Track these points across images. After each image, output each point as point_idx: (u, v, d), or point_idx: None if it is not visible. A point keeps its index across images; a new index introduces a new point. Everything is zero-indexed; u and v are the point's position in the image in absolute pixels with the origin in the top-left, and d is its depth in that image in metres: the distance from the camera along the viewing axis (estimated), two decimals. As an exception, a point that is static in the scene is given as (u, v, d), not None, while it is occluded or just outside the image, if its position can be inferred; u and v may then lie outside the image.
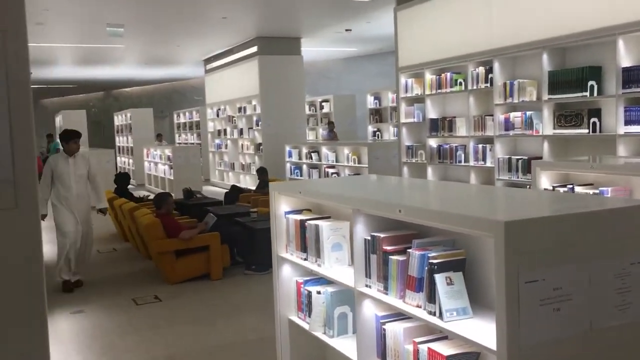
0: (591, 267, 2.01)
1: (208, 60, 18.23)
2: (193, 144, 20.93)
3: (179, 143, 22.49)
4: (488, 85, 7.36)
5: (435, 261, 2.27)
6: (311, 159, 12.54)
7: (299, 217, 3.31)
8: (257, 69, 14.50)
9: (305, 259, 3.23)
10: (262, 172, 10.98)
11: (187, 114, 22.09)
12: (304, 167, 12.86)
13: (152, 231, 6.57)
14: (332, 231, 3.06)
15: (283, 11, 12.03)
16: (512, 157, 7.15)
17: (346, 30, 13.77)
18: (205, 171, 19.36)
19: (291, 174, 13.41)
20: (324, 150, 12.08)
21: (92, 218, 7.04)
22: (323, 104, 17.49)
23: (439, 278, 2.23)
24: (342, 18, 12.82)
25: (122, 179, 10.04)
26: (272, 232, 3.47)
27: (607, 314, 2.05)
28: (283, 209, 3.45)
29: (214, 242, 6.65)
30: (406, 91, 8.95)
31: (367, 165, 10.53)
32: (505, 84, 7.10)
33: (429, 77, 8.45)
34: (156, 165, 16.67)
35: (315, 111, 17.83)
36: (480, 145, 7.62)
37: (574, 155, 6.56)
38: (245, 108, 15.77)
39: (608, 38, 5.82)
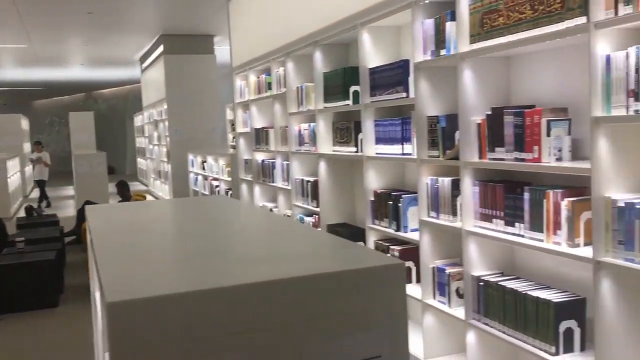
0: None
1: (142, 60, 17.15)
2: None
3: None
4: (286, 89, 6.02)
5: None
6: (203, 169, 11.32)
7: None
8: (164, 70, 13.33)
9: None
10: (121, 186, 9.77)
11: (141, 117, 21.06)
12: (199, 178, 11.64)
13: None
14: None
15: (187, 6, 10.66)
16: (304, 178, 5.79)
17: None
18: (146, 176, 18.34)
19: (195, 185, 12.22)
20: (210, 160, 10.82)
21: None
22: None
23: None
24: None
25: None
26: None
27: None
28: None
29: None
30: (241, 95, 7.65)
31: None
32: (298, 88, 5.76)
33: (253, 78, 7.14)
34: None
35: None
36: (285, 163, 6.29)
37: (350, 184, 5.18)
38: (162, 112, 14.62)
39: (354, 30, 4.44)
